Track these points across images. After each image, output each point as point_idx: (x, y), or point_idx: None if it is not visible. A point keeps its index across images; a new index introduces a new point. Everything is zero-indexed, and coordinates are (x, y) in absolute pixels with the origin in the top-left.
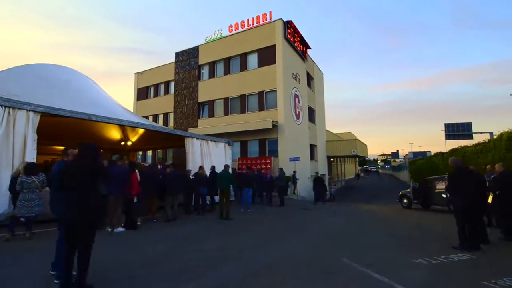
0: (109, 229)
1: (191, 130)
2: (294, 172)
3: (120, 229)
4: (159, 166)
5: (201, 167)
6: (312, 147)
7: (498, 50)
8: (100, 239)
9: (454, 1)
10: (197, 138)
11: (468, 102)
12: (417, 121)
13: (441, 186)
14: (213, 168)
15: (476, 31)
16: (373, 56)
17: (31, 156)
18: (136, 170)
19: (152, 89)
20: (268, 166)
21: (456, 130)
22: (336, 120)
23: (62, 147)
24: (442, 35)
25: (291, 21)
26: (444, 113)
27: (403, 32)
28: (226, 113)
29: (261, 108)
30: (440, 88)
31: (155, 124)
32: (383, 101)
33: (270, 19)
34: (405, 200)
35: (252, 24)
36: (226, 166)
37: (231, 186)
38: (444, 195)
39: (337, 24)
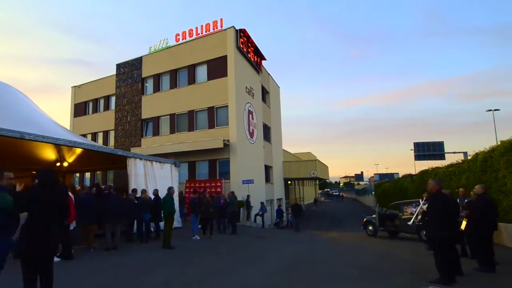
0: None
1: (134, 150)
2: (248, 196)
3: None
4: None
5: (143, 191)
6: (268, 169)
7: (472, 62)
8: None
9: (425, 7)
10: (141, 159)
11: (440, 118)
12: (384, 140)
13: (409, 211)
14: (156, 192)
15: (448, 39)
16: (336, 68)
17: None
18: (70, 194)
19: (90, 104)
20: (219, 189)
21: (426, 150)
22: (296, 139)
23: None
24: (411, 44)
25: (244, 29)
26: (414, 131)
27: (367, 41)
28: (172, 131)
29: (211, 125)
30: (411, 103)
31: (94, 143)
32: (347, 117)
33: (221, 27)
34: (370, 227)
35: (201, 33)
36: (170, 189)
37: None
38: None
39: (296, 33)
